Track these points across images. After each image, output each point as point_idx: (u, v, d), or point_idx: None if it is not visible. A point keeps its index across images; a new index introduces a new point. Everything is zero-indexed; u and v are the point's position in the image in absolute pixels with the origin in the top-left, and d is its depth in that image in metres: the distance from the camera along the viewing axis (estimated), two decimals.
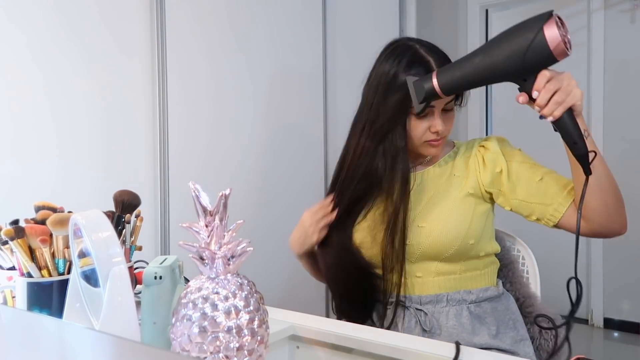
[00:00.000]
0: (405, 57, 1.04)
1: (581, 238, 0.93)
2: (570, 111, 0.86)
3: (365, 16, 2.44)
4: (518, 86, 0.88)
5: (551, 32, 0.80)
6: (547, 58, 0.82)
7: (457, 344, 0.80)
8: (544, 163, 1.11)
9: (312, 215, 1.14)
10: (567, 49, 0.81)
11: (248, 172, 1.88)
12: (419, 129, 1.06)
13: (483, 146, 1.10)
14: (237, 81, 1.83)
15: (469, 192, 1.07)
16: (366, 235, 1.12)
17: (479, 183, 1.08)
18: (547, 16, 0.82)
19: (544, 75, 0.85)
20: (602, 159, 0.96)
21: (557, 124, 0.87)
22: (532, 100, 0.87)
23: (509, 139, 1.17)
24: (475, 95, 3.48)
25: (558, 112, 0.85)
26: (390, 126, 1.05)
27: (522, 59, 0.82)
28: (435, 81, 0.91)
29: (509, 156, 1.07)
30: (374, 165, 1.08)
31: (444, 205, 1.07)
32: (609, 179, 0.99)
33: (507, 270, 1.19)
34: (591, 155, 0.88)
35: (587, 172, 0.89)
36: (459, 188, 1.08)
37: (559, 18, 0.82)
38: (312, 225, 1.14)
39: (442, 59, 1.05)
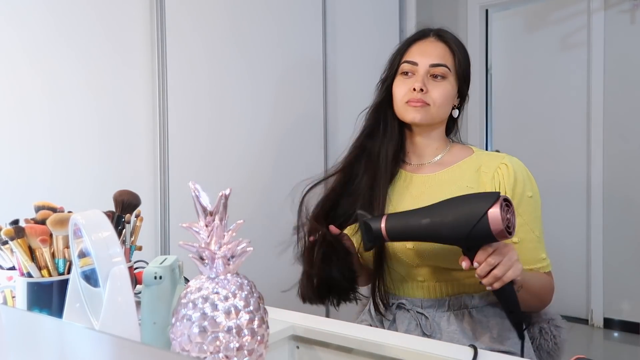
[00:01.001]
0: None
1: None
2: (510, 282, 0.90)
3: (365, 16, 2.44)
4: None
5: (494, 217, 0.84)
6: (489, 238, 0.86)
7: (475, 348, 0.79)
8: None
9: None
10: (509, 232, 0.85)
11: (248, 172, 1.88)
12: (402, 87, 1.10)
13: (506, 165, 1.07)
14: (237, 81, 1.83)
15: None
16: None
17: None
18: (495, 199, 0.85)
19: (485, 250, 0.88)
20: (535, 286, 1.01)
21: (495, 293, 0.92)
22: (473, 267, 0.90)
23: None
24: (475, 95, 3.49)
25: (497, 285, 0.89)
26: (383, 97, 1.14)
27: (465, 235, 0.87)
28: (383, 227, 0.94)
29: (519, 198, 1.05)
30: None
31: None
32: (539, 301, 1.06)
33: None
34: (524, 324, 0.98)
35: (521, 336, 0.98)
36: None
37: (506, 200, 0.87)
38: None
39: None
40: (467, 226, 0.86)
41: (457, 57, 1.12)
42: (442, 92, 1.09)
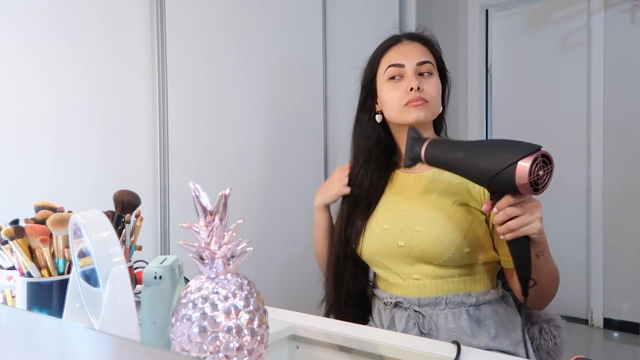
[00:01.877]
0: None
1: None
2: (526, 238, 0.89)
3: (365, 17, 2.44)
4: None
5: (522, 170, 0.82)
6: (512, 189, 0.85)
7: (458, 344, 0.80)
8: None
9: (342, 170, 1.21)
10: (536, 189, 0.83)
11: (248, 172, 1.88)
12: (395, 92, 1.11)
13: None
14: (237, 81, 1.83)
15: (467, 201, 1.06)
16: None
17: (479, 194, 1.07)
18: (532, 151, 0.83)
19: (507, 199, 0.87)
20: (550, 265, 0.98)
21: (509, 244, 0.91)
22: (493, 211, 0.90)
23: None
24: (475, 95, 3.49)
25: (508, 237, 0.88)
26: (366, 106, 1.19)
27: (489, 179, 0.86)
28: (423, 151, 0.96)
29: None
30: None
31: (441, 211, 1.06)
32: (549, 286, 1.01)
33: None
34: (531, 282, 0.92)
35: (525, 293, 0.92)
36: (457, 195, 1.07)
37: (545, 156, 0.84)
38: (339, 179, 1.19)
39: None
40: (493, 171, 0.85)
41: (435, 55, 1.15)
42: (434, 87, 1.11)
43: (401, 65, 1.10)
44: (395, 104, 1.10)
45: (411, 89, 1.08)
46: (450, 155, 0.93)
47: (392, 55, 1.13)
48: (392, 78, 1.12)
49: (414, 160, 0.98)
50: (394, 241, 1.08)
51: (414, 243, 1.06)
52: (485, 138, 3.47)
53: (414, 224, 1.07)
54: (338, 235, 1.19)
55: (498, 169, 0.84)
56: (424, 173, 1.13)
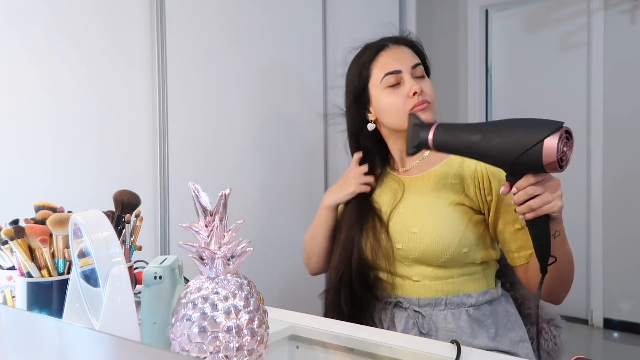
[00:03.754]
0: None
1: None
2: (546, 216, 0.87)
3: (365, 17, 2.44)
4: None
5: (550, 148, 0.80)
6: (537, 168, 0.83)
7: (458, 345, 0.80)
8: None
9: (359, 168, 1.18)
10: (561, 166, 0.82)
11: (248, 172, 1.88)
12: (397, 98, 1.09)
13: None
14: (237, 81, 1.83)
15: (463, 201, 1.06)
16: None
17: (476, 194, 1.06)
18: (556, 128, 0.81)
19: (528, 178, 0.85)
20: (566, 247, 0.97)
21: (528, 223, 0.89)
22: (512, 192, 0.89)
23: None
24: (475, 95, 3.49)
25: (529, 216, 0.87)
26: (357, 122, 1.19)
27: (513, 160, 0.84)
28: (431, 136, 0.93)
29: (504, 198, 1.03)
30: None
31: (438, 212, 1.06)
32: (566, 270, 0.99)
33: (507, 271, 1.19)
34: (550, 259, 0.90)
35: (543, 271, 0.90)
36: (454, 195, 1.07)
37: (568, 132, 0.82)
38: (355, 177, 1.17)
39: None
40: (517, 151, 0.82)
41: (419, 53, 1.15)
42: (430, 88, 1.12)
43: (398, 72, 1.09)
44: (398, 110, 1.09)
45: (414, 94, 1.08)
46: (463, 138, 0.89)
47: (385, 61, 1.11)
48: (391, 86, 1.10)
49: (418, 147, 0.95)
50: (391, 244, 1.09)
51: (412, 245, 1.06)
52: None
53: (411, 226, 1.07)
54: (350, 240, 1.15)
55: (523, 149, 0.81)
56: (419, 174, 1.13)
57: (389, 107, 1.10)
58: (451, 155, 1.11)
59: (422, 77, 1.12)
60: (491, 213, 1.05)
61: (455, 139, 0.91)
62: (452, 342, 0.82)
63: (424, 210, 1.08)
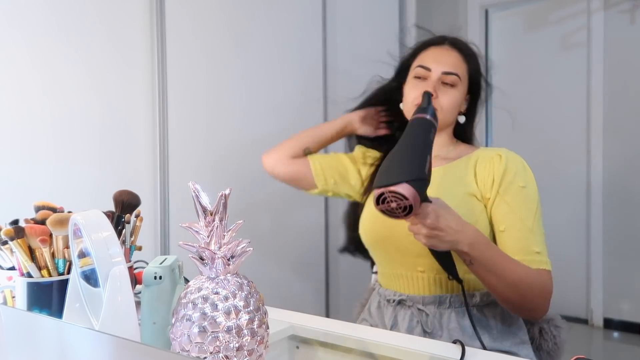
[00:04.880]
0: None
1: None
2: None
3: (365, 17, 2.44)
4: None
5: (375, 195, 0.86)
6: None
7: (462, 346, 0.79)
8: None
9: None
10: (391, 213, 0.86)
11: (248, 172, 1.88)
12: (414, 90, 1.13)
13: (500, 156, 1.08)
14: (237, 81, 1.83)
15: (473, 192, 1.07)
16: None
17: (483, 185, 1.07)
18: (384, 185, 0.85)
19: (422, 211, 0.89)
20: (497, 272, 0.97)
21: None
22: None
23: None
24: None
25: (422, 241, 0.93)
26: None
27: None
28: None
29: (506, 185, 1.05)
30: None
31: (450, 203, 1.06)
32: (510, 293, 0.99)
33: None
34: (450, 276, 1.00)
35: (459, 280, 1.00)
36: (465, 187, 1.08)
37: (387, 197, 0.85)
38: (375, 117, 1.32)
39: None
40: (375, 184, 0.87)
41: (469, 66, 1.15)
42: (450, 100, 1.11)
43: (428, 69, 1.12)
44: (410, 102, 1.12)
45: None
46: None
47: (427, 56, 1.15)
48: (418, 77, 1.14)
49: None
50: (405, 229, 1.07)
51: None
52: (485, 138, 3.46)
53: None
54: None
55: (375, 185, 0.86)
56: (442, 166, 1.13)
57: (407, 96, 1.15)
58: (468, 154, 1.14)
59: (450, 86, 1.12)
60: (487, 209, 1.07)
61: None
62: (455, 342, 0.82)
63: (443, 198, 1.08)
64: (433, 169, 1.12)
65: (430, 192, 1.10)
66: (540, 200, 1.06)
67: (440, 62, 1.12)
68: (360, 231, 1.19)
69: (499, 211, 1.04)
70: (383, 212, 0.86)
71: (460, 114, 1.18)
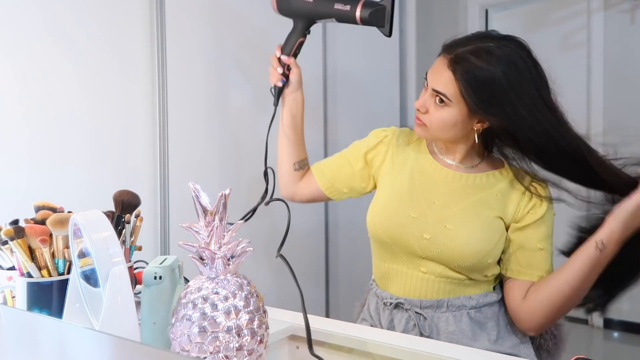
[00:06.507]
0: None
1: None
2: None
3: None
4: None
5: None
6: None
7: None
8: None
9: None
10: None
11: (248, 172, 1.88)
12: (419, 99, 1.09)
13: (535, 187, 1.09)
14: (237, 80, 1.83)
15: (502, 216, 1.06)
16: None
17: (513, 214, 1.06)
18: None
19: None
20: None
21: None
22: None
23: None
24: None
25: None
26: None
27: None
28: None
29: (550, 212, 1.12)
30: None
31: (478, 218, 1.04)
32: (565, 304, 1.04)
33: None
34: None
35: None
36: (496, 208, 1.06)
37: None
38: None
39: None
40: None
41: (461, 87, 0.99)
42: (439, 118, 1.03)
43: (426, 81, 1.06)
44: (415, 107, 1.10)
45: (418, 108, 1.07)
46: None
47: (433, 64, 1.06)
48: (424, 84, 1.08)
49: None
50: (419, 231, 1.06)
51: (441, 239, 1.04)
52: None
53: (447, 221, 1.05)
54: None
55: None
56: (465, 173, 1.10)
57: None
58: (502, 169, 1.11)
59: (441, 103, 1.02)
60: (519, 224, 1.07)
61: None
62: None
63: (465, 210, 1.06)
64: (463, 174, 1.10)
65: (464, 197, 1.08)
66: None
67: (434, 77, 1.04)
68: (368, 221, 1.14)
69: (540, 229, 1.08)
70: None
71: (477, 130, 1.06)
